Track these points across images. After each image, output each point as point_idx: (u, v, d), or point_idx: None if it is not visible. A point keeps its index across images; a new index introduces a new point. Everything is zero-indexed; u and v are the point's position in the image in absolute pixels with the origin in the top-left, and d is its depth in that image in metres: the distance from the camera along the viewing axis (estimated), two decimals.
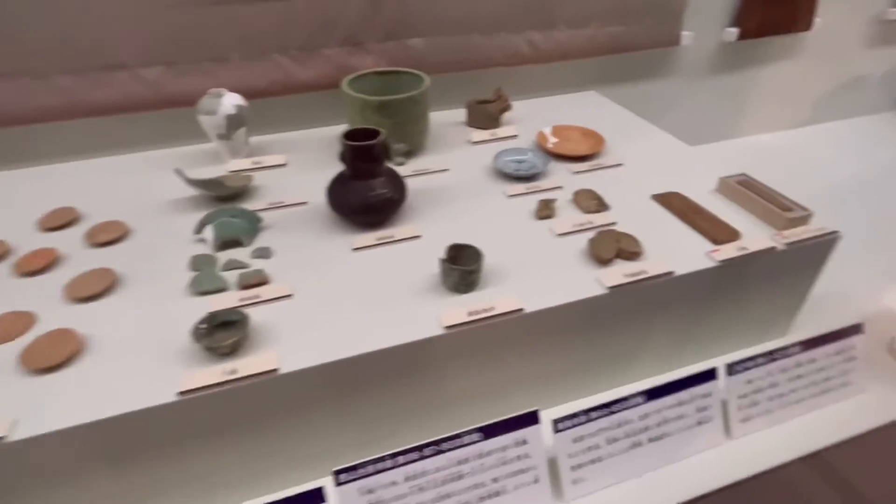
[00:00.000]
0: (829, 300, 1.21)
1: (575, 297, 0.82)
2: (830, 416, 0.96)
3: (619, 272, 0.86)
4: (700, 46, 1.67)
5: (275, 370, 0.70)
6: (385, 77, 1.26)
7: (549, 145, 1.27)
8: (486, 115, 1.36)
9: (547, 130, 1.31)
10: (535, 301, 0.81)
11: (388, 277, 0.87)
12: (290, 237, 0.97)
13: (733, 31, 1.64)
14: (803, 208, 0.97)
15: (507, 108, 1.37)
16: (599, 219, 0.99)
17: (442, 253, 0.84)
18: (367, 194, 0.94)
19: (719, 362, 0.89)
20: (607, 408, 0.83)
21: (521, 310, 0.79)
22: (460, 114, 1.40)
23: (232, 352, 0.72)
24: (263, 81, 1.28)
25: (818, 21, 1.73)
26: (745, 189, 1.03)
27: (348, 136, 0.93)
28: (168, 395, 0.67)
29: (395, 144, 1.18)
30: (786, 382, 0.93)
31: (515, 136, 1.32)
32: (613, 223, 0.98)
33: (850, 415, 0.96)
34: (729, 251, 0.90)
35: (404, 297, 0.83)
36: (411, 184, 1.13)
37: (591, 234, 0.93)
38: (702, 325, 0.98)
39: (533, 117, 1.40)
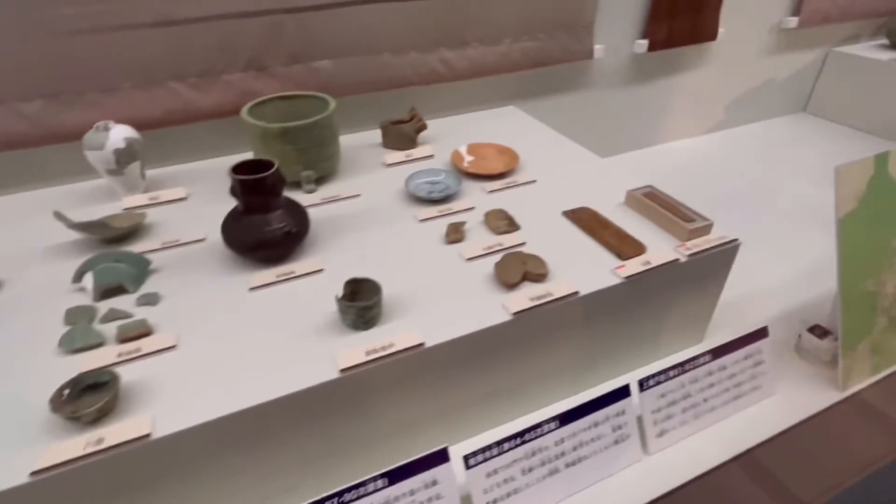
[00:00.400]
0: (740, 304, 1.24)
1: (479, 325, 0.79)
2: (744, 420, 0.97)
3: (526, 296, 0.84)
4: (613, 59, 1.71)
5: (147, 436, 0.64)
6: (290, 101, 1.21)
7: (465, 164, 1.25)
8: (401, 135, 1.33)
9: (463, 149, 1.30)
10: (437, 333, 0.78)
11: (286, 318, 0.82)
12: (182, 279, 0.91)
13: (643, 43, 1.69)
14: (704, 218, 0.99)
15: (422, 127, 1.34)
16: (509, 240, 0.98)
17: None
18: (262, 230, 0.89)
19: (632, 378, 0.89)
20: (520, 437, 0.80)
21: (421, 344, 0.76)
22: (377, 135, 1.37)
23: (99, 418, 0.65)
24: (159, 111, 1.21)
25: (722, 31, 1.80)
26: (650, 201, 1.04)
27: (237, 168, 0.87)
28: (20, 477, 0.60)
29: (303, 171, 1.14)
30: (698, 392, 0.94)
31: (431, 156, 1.30)
32: (522, 244, 0.97)
33: (763, 417, 0.98)
34: (634, 266, 0.90)
35: (301, 338, 0.78)
36: (320, 212, 1.09)
37: (498, 258, 0.91)
38: (617, 341, 0.98)
39: (450, 136, 1.39)
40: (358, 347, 0.75)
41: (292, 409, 0.71)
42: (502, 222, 1.02)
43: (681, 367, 0.92)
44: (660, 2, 1.65)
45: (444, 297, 0.85)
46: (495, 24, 1.46)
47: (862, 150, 2.02)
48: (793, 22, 1.94)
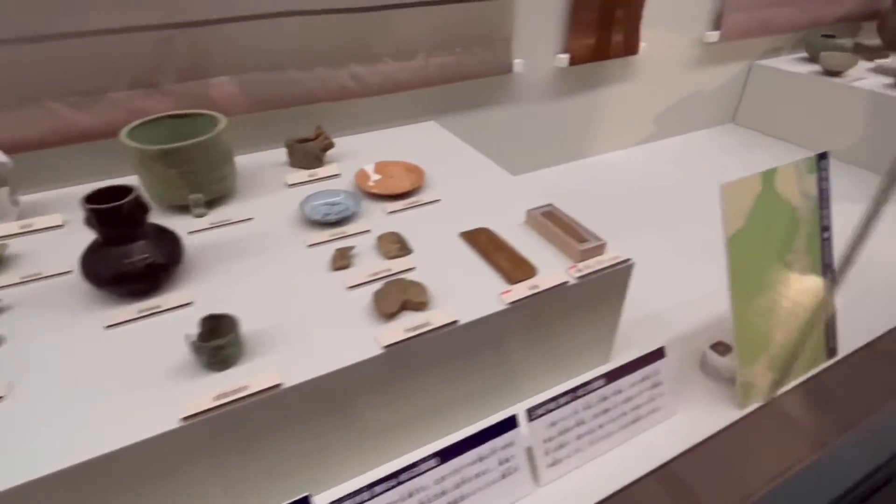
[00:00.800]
0: (654, 320, 1.24)
1: (346, 361, 0.75)
2: (643, 443, 0.95)
3: (402, 327, 0.80)
4: (534, 73, 1.70)
5: None
6: (181, 121, 1.14)
7: (371, 183, 1.21)
8: (307, 154, 1.28)
9: (369, 168, 1.26)
10: (299, 372, 0.73)
11: (141, 359, 0.76)
12: (34, 318, 0.83)
13: (564, 58, 1.69)
14: (598, 238, 0.97)
15: (328, 145, 1.30)
16: (398, 265, 0.94)
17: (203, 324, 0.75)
18: (121, 262, 0.82)
19: (522, 408, 0.86)
20: (395, 478, 0.76)
21: (278, 386, 0.71)
22: (285, 154, 1.31)
23: None
24: (35, 132, 1.13)
25: (644, 45, 1.82)
26: (547, 221, 1.02)
27: (91, 197, 0.81)
28: None
29: (191, 195, 1.08)
30: (593, 419, 0.91)
31: (337, 175, 1.26)
32: (411, 269, 0.93)
33: (664, 438, 0.96)
34: (521, 291, 0.87)
35: (150, 382, 0.72)
36: (205, 238, 1.03)
37: (381, 285, 0.87)
38: (512, 367, 0.95)
39: (361, 153, 1.34)
40: (209, 391, 0.69)
41: (128, 465, 0.65)
42: (394, 246, 0.98)
43: (573, 394, 0.89)
44: (580, 16, 1.65)
45: (316, 330, 0.80)
46: (408, 38, 1.43)
47: (785, 160, 2.04)
48: (714, 36, 1.98)
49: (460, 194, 1.18)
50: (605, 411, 0.93)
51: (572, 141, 1.94)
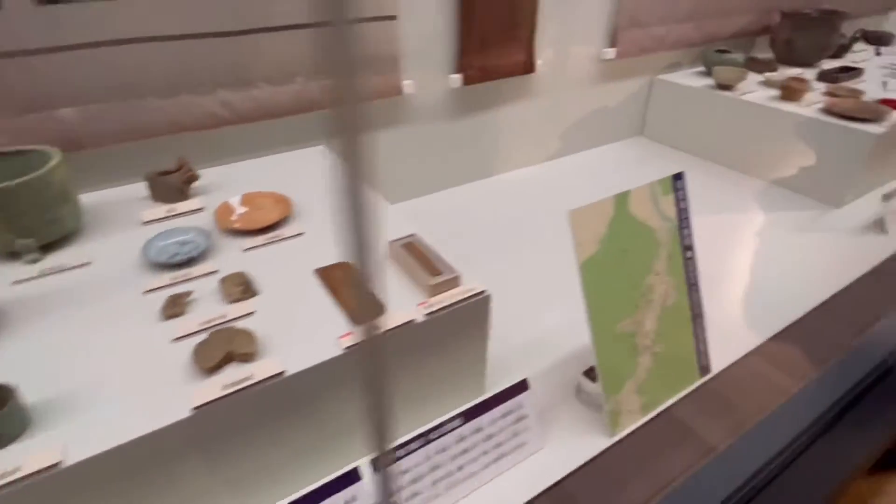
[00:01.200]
0: (534, 347, 1.21)
1: (146, 429, 0.67)
2: (510, 478, 0.92)
3: (220, 383, 0.73)
4: (428, 94, 1.68)
5: None
6: (11, 159, 1.05)
7: (234, 217, 1.14)
8: (169, 188, 1.20)
9: (235, 200, 1.19)
10: (91, 444, 0.65)
11: None
12: None
13: (457, 78, 1.67)
14: (452, 270, 0.94)
15: (192, 177, 1.22)
16: (238, 309, 0.87)
17: None
18: None
19: (364, 460, 0.81)
20: None
21: (58, 464, 0.63)
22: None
23: None
24: None
25: (540, 63, 1.83)
26: (406, 253, 0.98)
27: None
28: None
29: (20, 240, 0.98)
30: (450, 461, 0.87)
31: (200, 209, 1.18)
32: (250, 313, 0.87)
33: (532, 472, 0.93)
34: (361, 333, 0.82)
35: None
36: (31, 289, 0.94)
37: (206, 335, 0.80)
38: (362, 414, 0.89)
39: (234, 184, 1.27)
40: None
41: None
42: (237, 289, 0.91)
43: (425, 438, 0.85)
44: (470, 36, 1.64)
45: (126, 392, 0.73)
46: (284, 61, 1.38)
47: (688, 171, 2.12)
48: (611, 53, 2.01)
49: (326, 226, 1.12)
50: (465, 451, 0.88)
51: (476, 160, 1.93)
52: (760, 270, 1.53)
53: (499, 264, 1.47)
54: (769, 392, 1.12)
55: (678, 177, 1.04)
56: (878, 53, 2.63)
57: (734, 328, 1.29)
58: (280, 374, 0.75)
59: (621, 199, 0.96)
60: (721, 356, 1.17)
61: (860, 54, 2.59)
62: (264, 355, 0.79)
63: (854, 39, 2.54)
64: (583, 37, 1.96)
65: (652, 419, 1.04)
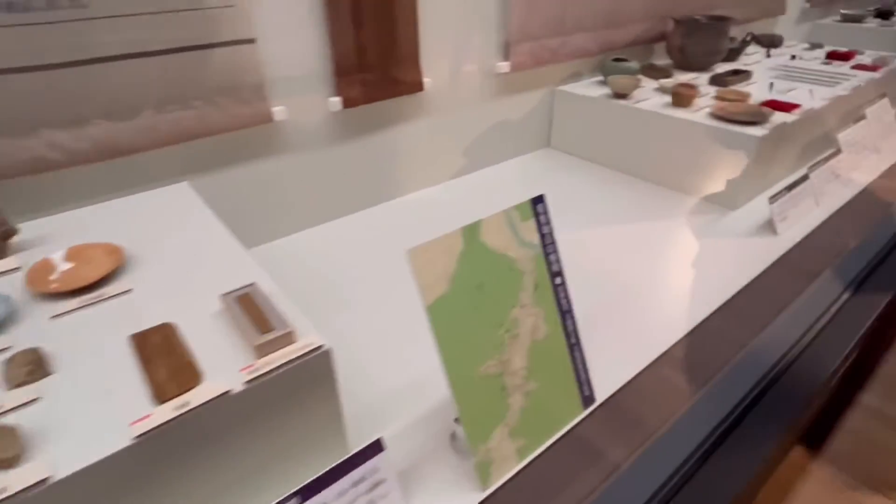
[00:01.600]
0: (405, 397, 1.12)
1: None
2: None
3: None
4: (305, 120, 1.57)
5: None
6: None
7: (53, 277, 0.99)
8: None
9: (58, 255, 1.04)
10: None
11: None
12: None
13: (336, 101, 1.58)
14: (286, 325, 0.83)
15: (8, 232, 1.06)
16: (17, 397, 0.73)
17: None
18: None
19: None
20: None
21: None
22: None
23: None
24: None
25: (428, 81, 1.76)
26: (238, 307, 0.87)
27: None
28: None
29: None
30: None
31: (16, 268, 1.02)
32: (33, 400, 0.73)
33: None
34: (161, 415, 0.70)
35: None
36: None
37: None
38: (185, 499, 0.77)
39: (63, 237, 1.12)
40: None
41: None
42: (23, 369, 0.77)
43: None
44: (343, 57, 1.55)
45: None
46: (126, 94, 1.24)
47: (592, 181, 2.12)
48: (505, 67, 1.97)
49: (163, 280, 0.99)
50: None
51: (370, 184, 1.83)
52: (662, 276, 1.50)
53: (379, 303, 1.37)
54: (673, 398, 1.08)
55: (538, 200, 0.97)
56: (768, 55, 2.73)
57: (640, 337, 1.25)
58: (42, 482, 0.62)
59: (471, 230, 0.88)
60: (624, 370, 1.14)
61: (753, 57, 2.68)
62: (33, 457, 0.65)
63: (745, 43, 2.62)
64: (474, 51, 1.90)
65: (530, 462, 0.96)
